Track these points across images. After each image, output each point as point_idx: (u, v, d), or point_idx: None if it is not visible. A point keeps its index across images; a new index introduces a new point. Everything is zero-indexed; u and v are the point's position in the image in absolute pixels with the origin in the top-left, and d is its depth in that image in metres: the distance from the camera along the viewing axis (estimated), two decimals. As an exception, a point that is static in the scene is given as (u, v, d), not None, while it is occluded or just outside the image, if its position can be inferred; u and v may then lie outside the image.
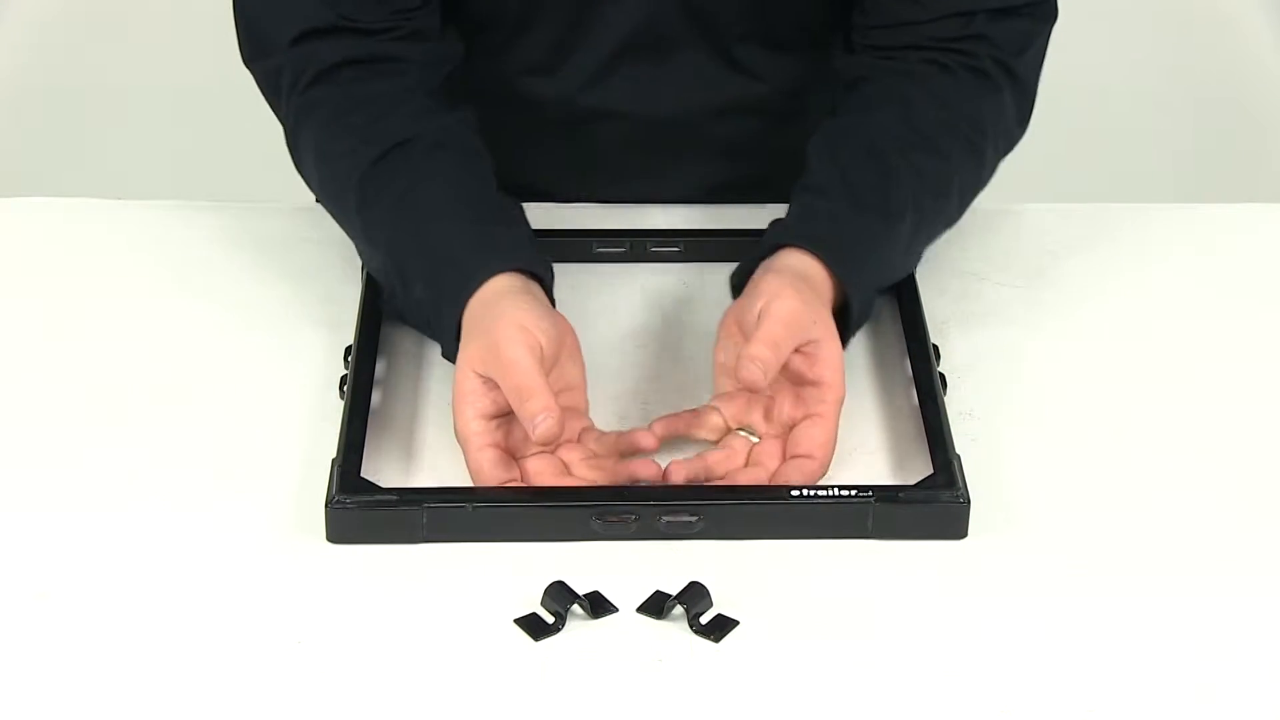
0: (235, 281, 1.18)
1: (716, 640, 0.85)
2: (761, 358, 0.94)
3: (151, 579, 0.89)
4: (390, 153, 1.08)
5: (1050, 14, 1.17)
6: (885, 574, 0.91)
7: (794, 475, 0.95)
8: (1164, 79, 2.58)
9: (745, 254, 1.05)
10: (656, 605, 0.87)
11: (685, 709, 0.81)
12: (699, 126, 1.25)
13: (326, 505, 0.92)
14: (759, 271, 1.02)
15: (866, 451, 1.01)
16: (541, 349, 0.95)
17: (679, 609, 0.87)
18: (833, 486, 0.93)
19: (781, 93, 1.23)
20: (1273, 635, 0.87)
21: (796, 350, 0.97)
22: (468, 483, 0.96)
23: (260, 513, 0.95)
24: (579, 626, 0.86)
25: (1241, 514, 0.96)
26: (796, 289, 0.98)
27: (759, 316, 0.97)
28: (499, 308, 0.97)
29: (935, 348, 1.06)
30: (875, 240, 1.06)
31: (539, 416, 0.92)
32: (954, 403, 1.03)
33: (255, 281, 1.18)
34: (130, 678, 0.82)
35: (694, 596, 0.87)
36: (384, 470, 0.97)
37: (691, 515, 0.92)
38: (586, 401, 1.00)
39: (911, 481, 0.95)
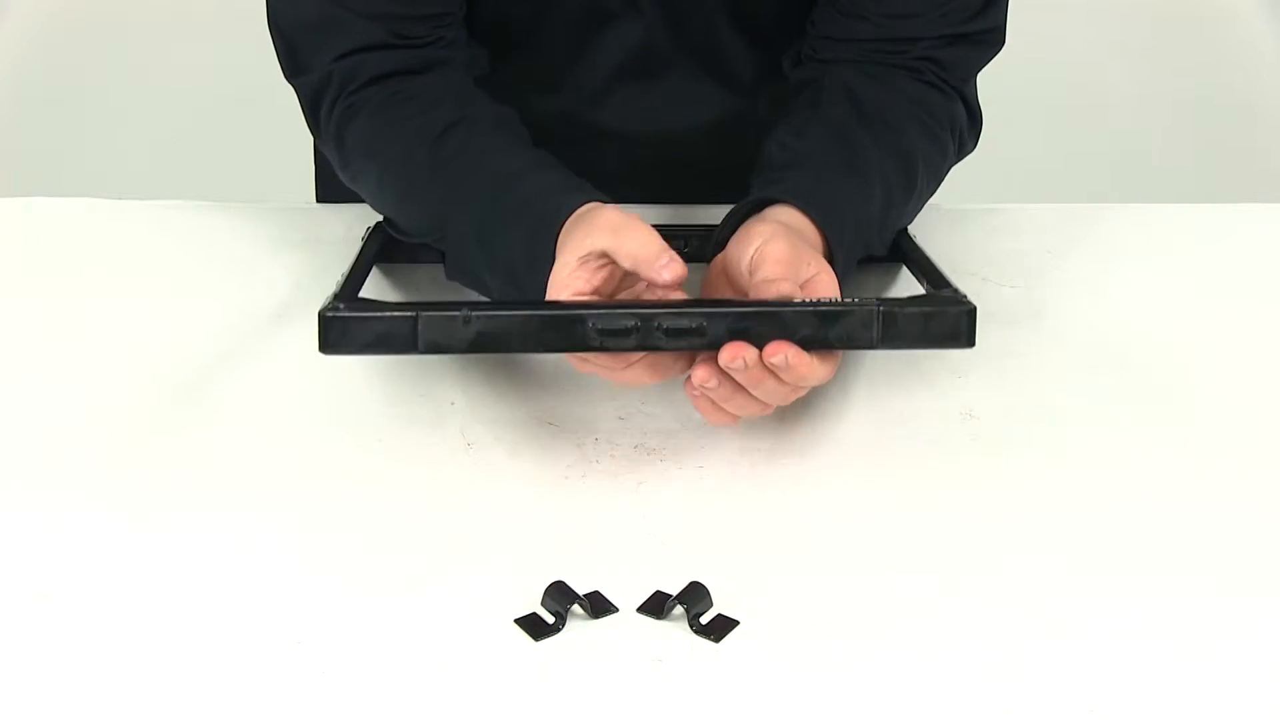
0: (235, 281, 1.18)
1: (716, 640, 0.85)
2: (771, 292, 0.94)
3: (152, 579, 0.89)
4: (455, 125, 1.09)
5: (999, 40, 1.18)
6: (885, 573, 0.91)
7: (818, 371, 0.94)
8: (1164, 79, 2.59)
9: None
10: (656, 605, 0.87)
11: (685, 709, 0.81)
12: (697, 144, 1.27)
13: (320, 314, 0.92)
14: (743, 228, 1.02)
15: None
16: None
17: (679, 609, 0.87)
18: (837, 297, 0.93)
19: (779, 108, 1.23)
20: (1273, 635, 0.87)
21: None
22: None
23: (260, 513, 0.95)
24: (579, 626, 0.86)
25: (1241, 513, 0.96)
26: (787, 234, 0.98)
27: (752, 262, 0.96)
28: (602, 210, 0.98)
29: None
30: (853, 200, 1.07)
31: (660, 260, 0.92)
32: (955, 403, 1.03)
33: (255, 281, 1.18)
34: (131, 678, 0.82)
35: (694, 596, 0.87)
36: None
37: (691, 321, 0.92)
38: None
39: None
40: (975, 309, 0.94)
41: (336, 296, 0.94)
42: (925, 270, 1.05)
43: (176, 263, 1.21)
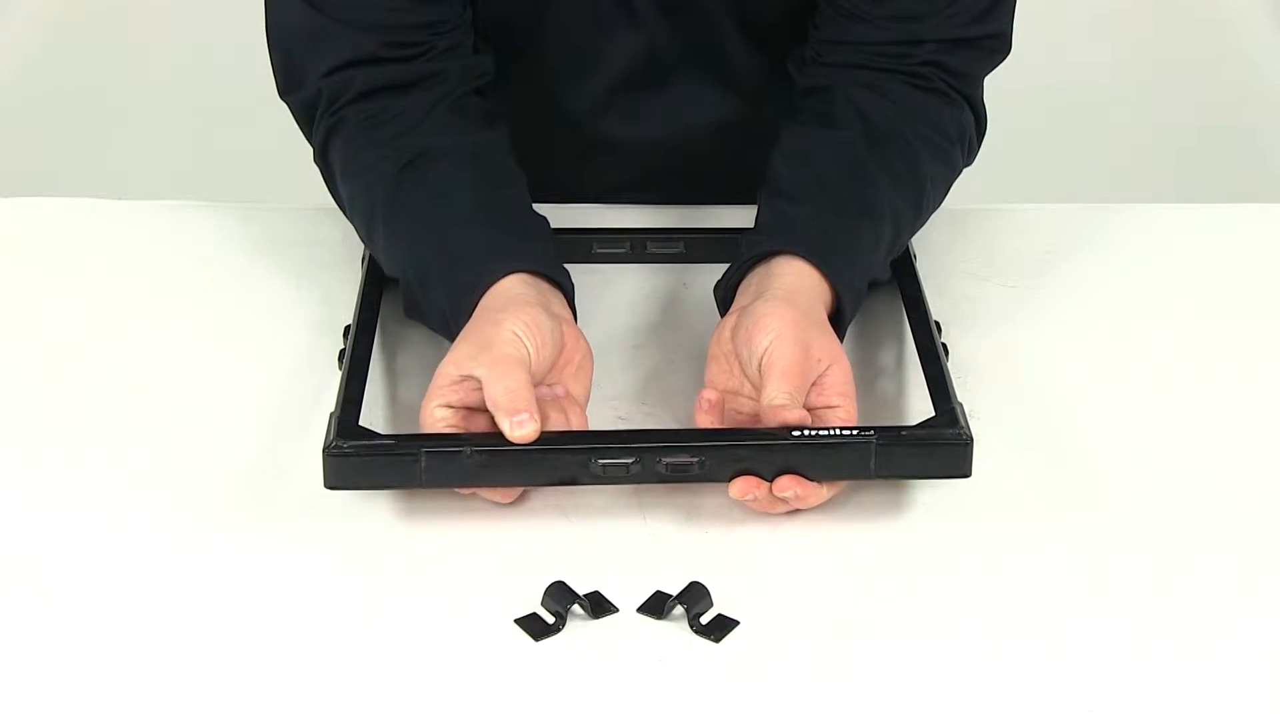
0: (235, 282, 1.18)
1: (716, 640, 0.85)
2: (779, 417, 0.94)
3: (153, 579, 0.89)
4: (416, 161, 1.08)
5: (1004, 48, 1.17)
6: (885, 574, 0.91)
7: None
8: (1164, 79, 2.59)
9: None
10: (656, 605, 0.87)
11: (685, 709, 0.81)
12: (702, 149, 1.26)
13: (324, 451, 0.92)
14: (751, 291, 1.02)
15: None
16: (530, 358, 0.95)
17: (679, 609, 0.87)
18: (835, 428, 0.93)
19: (784, 115, 1.23)
20: (1273, 635, 0.87)
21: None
22: None
23: (260, 513, 0.95)
24: (579, 626, 0.86)
25: (1241, 513, 0.96)
26: (796, 329, 0.96)
27: (761, 364, 0.96)
28: (501, 313, 0.97)
29: (937, 324, 1.06)
30: (861, 242, 1.06)
31: (518, 416, 0.91)
32: (954, 403, 1.03)
33: (255, 281, 1.18)
34: (131, 678, 0.82)
35: (694, 596, 0.87)
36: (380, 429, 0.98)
37: (691, 456, 0.92)
38: (584, 420, 0.98)
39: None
40: (972, 441, 0.93)
41: (339, 432, 0.93)
42: (929, 365, 1.02)
43: (176, 263, 1.21)
